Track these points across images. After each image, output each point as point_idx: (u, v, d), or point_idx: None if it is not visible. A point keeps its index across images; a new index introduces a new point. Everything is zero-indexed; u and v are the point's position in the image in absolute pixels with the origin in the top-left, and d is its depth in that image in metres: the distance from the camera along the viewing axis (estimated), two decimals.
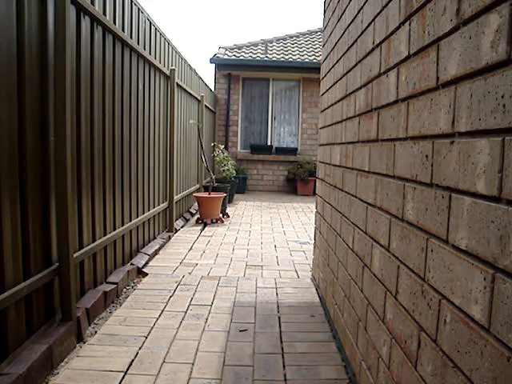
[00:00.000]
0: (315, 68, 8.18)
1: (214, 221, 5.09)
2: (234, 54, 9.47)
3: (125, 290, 2.69)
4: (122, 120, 2.81)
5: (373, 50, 1.46)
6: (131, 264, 3.00)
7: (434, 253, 0.92)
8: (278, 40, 10.54)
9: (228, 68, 8.97)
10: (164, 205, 4.15)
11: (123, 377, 1.66)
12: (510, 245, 0.65)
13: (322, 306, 2.46)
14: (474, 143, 0.77)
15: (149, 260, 3.29)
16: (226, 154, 6.50)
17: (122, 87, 2.80)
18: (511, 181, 0.65)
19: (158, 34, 3.75)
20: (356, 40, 1.71)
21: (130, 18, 2.96)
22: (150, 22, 3.48)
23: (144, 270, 3.06)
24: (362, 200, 1.57)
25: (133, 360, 1.79)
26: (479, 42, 0.75)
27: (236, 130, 9.22)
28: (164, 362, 1.79)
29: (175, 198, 4.54)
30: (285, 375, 1.71)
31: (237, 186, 7.25)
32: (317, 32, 10.94)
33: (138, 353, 1.85)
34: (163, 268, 3.17)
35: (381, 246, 1.31)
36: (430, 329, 0.93)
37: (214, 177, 5.75)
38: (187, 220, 5.28)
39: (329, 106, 2.41)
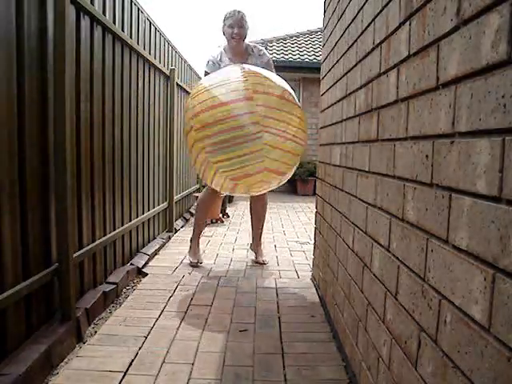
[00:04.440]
0: (315, 68, 8.18)
1: (214, 221, 5.09)
2: None
3: (125, 290, 2.68)
4: (121, 120, 2.81)
5: (373, 49, 1.45)
6: (131, 264, 3.00)
7: (434, 253, 0.92)
8: (278, 40, 10.54)
9: None
10: (164, 205, 4.15)
11: (123, 377, 1.65)
12: (510, 245, 0.65)
13: (322, 306, 2.46)
14: (474, 143, 0.76)
15: (149, 260, 3.28)
16: None
17: (122, 87, 2.80)
18: (511, 181, 0.65)
19: (157, 33, 3.75)
20: (356, 40, 1.71)
21: (129, 17, 2.95)
22: (150, 22, 3.48)
23: (144, 270, 3.06)
24: (362, 200, 1.57)
25: (132, 360, 1.79)
26: (479, 41, 0.75)
27: None
28: (164, 362, 1.79)
29: (175, 198, 4.54)
30: (285, 375, 1.71)
31: None
32: (317, 32, 10.94)
33: (137, 353, 1.85)
34: (163, 268, 3.17)
35: (381, 246, 1.31)
36: (430, 329, 0.93)
37: None
38: (187, 220, 5.28)
39: (329, 106, 2.41)
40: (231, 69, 2.69)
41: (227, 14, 3.19)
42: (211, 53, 3.27)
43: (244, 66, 2.75)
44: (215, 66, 3.18)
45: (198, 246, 3.42)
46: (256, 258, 3.45)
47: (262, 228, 3.47)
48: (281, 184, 2.72)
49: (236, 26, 3.14)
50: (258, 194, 2.76)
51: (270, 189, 2.72)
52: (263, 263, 3.37)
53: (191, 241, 3.42)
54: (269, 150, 2.43)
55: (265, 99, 2.46)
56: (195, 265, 3.26)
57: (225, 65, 3.14)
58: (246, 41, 3.27)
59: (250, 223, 3.55)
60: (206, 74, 3.18)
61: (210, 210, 3.50)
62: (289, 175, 2.68)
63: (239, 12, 3.19)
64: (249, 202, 3.51)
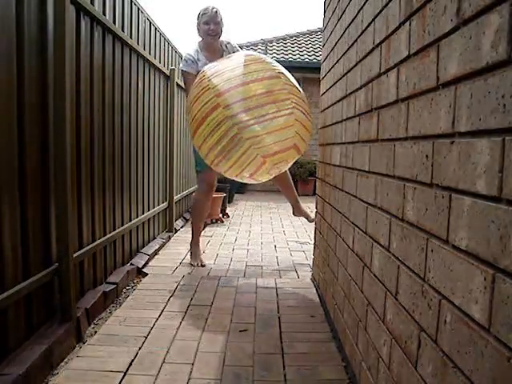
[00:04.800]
0: (315, 68, 8.16)
1: (214, 221, 5.09)
2: None
3: (124, 290, 2.68)
4: (121, 119, 2.81)
5: (373, 49, 1.46)
6: (131, 264, 3.00)
7: (434, 253, 0.92)
8: (278, 40, 10.54)
9: None
10: (164, 205, 4.14)
11: (123, 377, 1.65)
12: (510, 245, 0.65)
13: (322, 306, 2.46)
14: (474, 143, 0.76)
15: (149, 260, 3.28)
16: None
17: (122, 87, 2.80)
18: (511, 181, 0.65)
19: (157, 33, 3.75)
20: (356, 40, 1.71)
21: (129, 17, 2.95)
22: (150, 22, 3.48)
23: (144, 270, 3.06)
24: (362, 200, 1.57)
25: (132, 360, 1.79)
26: (479, 42, 0.75)
27: None
28: (164, 362, 1.79)
29: (175, 198, 4.54)
30: (285, 375, 1.71)
31: (237, 186, 7.26)
32: (317, 32, 10.94)
33: (137, 353, 1.85)
34: (163, 268, 3.17)
35: (381, 246, 1.31)
36: (430, 329, 0.93)
37: None
38: (187, 220, 5.28)
39: (329, 106, 2.41)
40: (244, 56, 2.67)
41: (202, 11, 3.15)
42: (187, 51, 3.22)
43: (248, 52, 2.80)
44: (194, 64, 3.14)
45: (199, 248, 3.39)
46: (308, 218, 3.60)
47: (295, 192, 3.55)
48: (306, 146, 2.63)
49: (212, 23, 3.10)
50: (271, 177, 2.70)
51: (292, 162, 2.66)
52: (314, 220, 3.38)
53: (191, 245, 3.39)
54: (298, 127, 2.42)
55: (233, 94, 2.40)
56: (199, 265, 3.23)
57: (202, 63, 3.08)
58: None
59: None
60: (184, 72, 3.17)
61: (206, 210, 3.39)
62: (303, 139, 2.56)
63: (214, 8, 3.14)
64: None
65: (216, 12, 3.13)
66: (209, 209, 3.49)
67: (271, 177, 2.69)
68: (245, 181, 2.71)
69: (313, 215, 3.51)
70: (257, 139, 2.35)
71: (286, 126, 2.38)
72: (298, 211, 3.62)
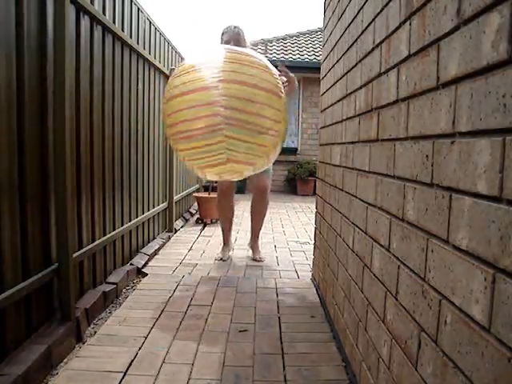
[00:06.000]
0: (315, 68, 8.17)
1: (214, 221, 5.09)
2: None
3: (124, 290, 2.68)
4: (121, 119, 2.80)
5: (373, 49, 1.45)
6: (131, 264, 3.00)
7: (434, 253, 0.92)
8: (278, 40, 10.54)
9: None
10: (164, 205, 4.14)
11: (123, 377, 1.65)
12: (510, 245, 0.65)
13: (322, 307, 2.46)
14: (474, 143, 0.76)
15: (148, 260, 3.28)
16: None
17: (122, 86, 2.80)
18: None
19: (157, 33, 3.75)
20: (356, 40, 1.71)
21: (129, 17, 2.95)
22: (150, 22, 3.48)
23: (144, 270, 3.06)
24: (362, 200, 1.57)
25: (132, 360, 1.78)
26: (480, 41, 0.75)
27: None
28: (164, 362, 1.78)
29: (175, 198, 4.54)
30: (285, 376, 1.71)
31: (237, 186, 7.24)
32: (317, 32, 10.94)
33: (137, 353, 1.85)
34: (163, 268, 3.16)
35: (381, 246, 1.31)
36: (430, 329, 0.93)
37: None
38: (187, 220, 5.28)
39: (329, 106, 2.41)
40: (217, 50, 2.58)
41: (224, 29, 3.14)
42: None
43: (231, 48, 2.64)
44: None
45: (227, 243, 3.58)
46: (253, 255, 3.53)
47: (261, 227, 3.55)
48: (260, 169, 2.70)
49: (232, 41, 3.06)
50: (234, 179, 2.82)
51: (245, 176, 2.76)
52: (259, 260, 3.44)
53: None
54: (232, 143, 2.39)
55: (236, 89, 2.35)
56: (218, 259, 3.42)
57: None
58: None
59: (249, 222, 3.57)
60: None
61: (224, 205, 3.53)
62: (266, 162, 2.64)
63: (236, 27, 3.12)
64: (249, 202, 3.54)
65: (237, 32, 3.12)
66: (231, 210, 3.59)
67: (218, 179, 2.80)
68: (192, 169, 2.70)
69: (260, 256, 3.51)
70: (233, 141, 2.38)
71: (213, 143, 2.37)
72: (252, 245, 3.58)
